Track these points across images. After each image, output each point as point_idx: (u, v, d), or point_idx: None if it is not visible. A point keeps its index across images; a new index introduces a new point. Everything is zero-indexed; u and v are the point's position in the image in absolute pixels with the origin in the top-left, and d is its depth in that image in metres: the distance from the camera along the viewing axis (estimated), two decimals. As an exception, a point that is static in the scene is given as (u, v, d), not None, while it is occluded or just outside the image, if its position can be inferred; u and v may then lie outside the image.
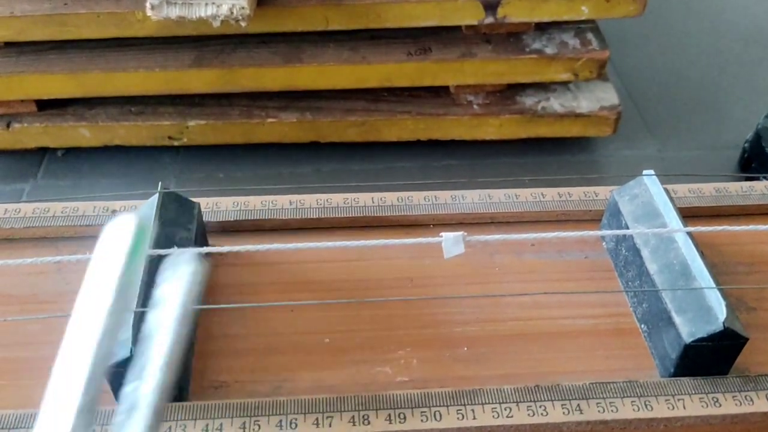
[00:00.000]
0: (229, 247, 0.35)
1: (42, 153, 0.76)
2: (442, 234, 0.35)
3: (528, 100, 0.73)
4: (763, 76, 0.89)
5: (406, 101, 0.74)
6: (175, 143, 0.73)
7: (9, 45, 0.69)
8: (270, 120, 0.72)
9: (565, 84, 0.74)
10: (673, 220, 0.37)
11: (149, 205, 0.38)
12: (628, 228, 0.39)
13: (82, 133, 0.72)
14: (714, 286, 0.34)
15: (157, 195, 0.38)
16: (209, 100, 0.73)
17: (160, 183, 0.39)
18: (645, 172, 0.40)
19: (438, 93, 0.74)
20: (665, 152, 0.78)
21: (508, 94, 0.74)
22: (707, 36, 0.97)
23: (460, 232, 0.35)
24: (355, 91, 0.73)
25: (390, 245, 0.38)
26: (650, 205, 0.39)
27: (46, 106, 0.72)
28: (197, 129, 0.72)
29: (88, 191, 0.71)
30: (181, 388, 0.34)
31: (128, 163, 0.75)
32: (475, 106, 0.73)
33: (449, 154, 0.76)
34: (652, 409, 0.33)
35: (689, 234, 0.36)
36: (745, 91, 0.87)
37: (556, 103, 0.73)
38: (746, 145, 0.74)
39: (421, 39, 0.71)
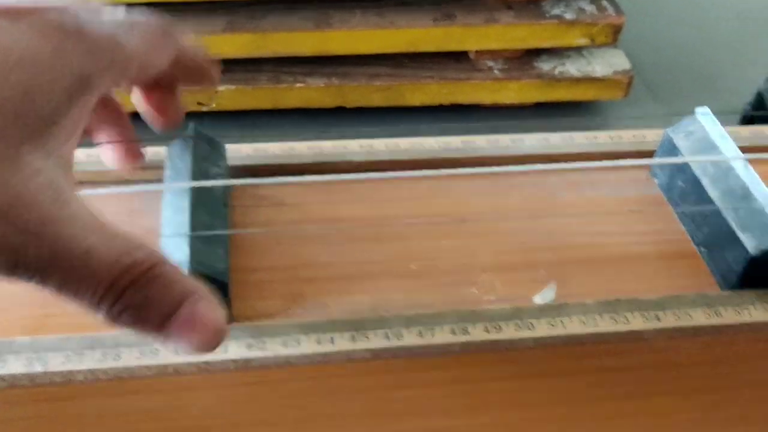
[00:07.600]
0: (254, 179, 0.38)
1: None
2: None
3: (545, 66, 0.77)
4: (757, 49, 0.94)
5: (428, 67, 0.76)
6: (204, 108, 0.75)
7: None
8: (298, 85, 0.74)
9: (578, 50, 0.78)
10: (732, 150, 0.40)
11: (181, 143, 0.41)
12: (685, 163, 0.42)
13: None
14: (775, 204, 0.37)
15: (190, 132, 0.41)
16: (237, 65, 0.75)
17: (191, 123, 0.41)
18: (698, 109, 0.44)
19: (458, 59, 0.77)
20: (672, 116, 0.82)
21: (525, 59, 0.77)
22: (706, 11, 1.01)
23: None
24: (379, 57, 0.75)
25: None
26: (707, 140, 0.42)
27: (76, 72, 0.73)
28: (227, 94, 0.73)
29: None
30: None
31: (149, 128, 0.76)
32: (495, 71, 0.76)
33: (470, 119, 0.79)
34: (721, 316, 0.37)
35: (747, 162, 0.39)
36: (741, 63, 0.91)
37: (572, 68, 0.76)
38: (747, 107, 0.79)
39: (444, 5, 0.73)
